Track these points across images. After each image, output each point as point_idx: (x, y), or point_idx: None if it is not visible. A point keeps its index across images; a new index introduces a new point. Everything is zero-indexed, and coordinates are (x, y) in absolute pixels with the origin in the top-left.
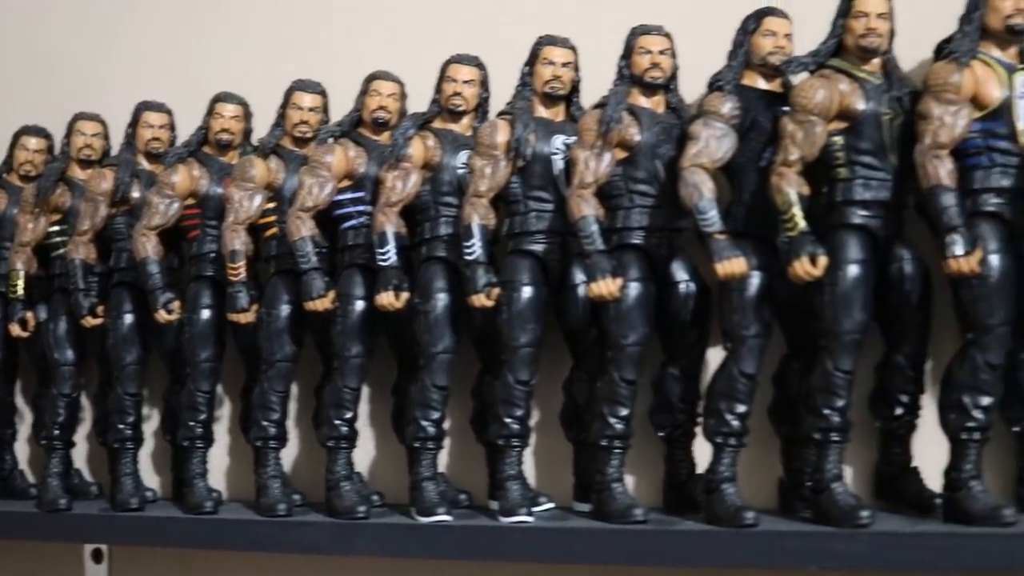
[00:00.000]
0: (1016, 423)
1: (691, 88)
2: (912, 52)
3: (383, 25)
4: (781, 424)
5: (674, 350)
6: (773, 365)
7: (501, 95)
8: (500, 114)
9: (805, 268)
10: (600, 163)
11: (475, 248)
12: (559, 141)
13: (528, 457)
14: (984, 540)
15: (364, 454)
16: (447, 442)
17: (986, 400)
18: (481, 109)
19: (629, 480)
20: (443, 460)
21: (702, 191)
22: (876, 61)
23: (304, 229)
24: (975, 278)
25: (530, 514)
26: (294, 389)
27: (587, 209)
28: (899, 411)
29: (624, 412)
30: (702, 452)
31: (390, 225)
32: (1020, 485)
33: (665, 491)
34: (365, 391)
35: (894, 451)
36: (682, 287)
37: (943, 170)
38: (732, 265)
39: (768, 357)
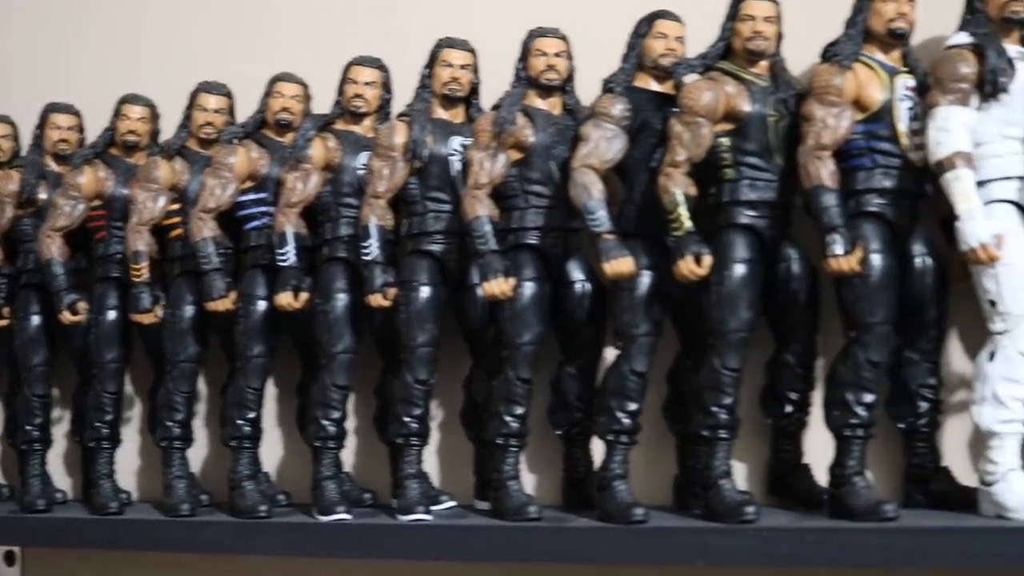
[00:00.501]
0: (901, 420)
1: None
2: (803, 54)
3: (287, 27)
4: (675, 421)
5: (571, 349)
6: (668, 363)
7: (404, 97)
8: (399, 116)
9: (690, 267)
10: (495, 164)
11: (372, 248)
12: (457, 142)
13: (432, 456)
14: (866, 535)
15: (272, 453)
16: (353, 441)
17: (869, 397)
18: (383, 111)
19: (529, 478)
20: (349, 459)
21: (591, 191)
22: (763, 64)
23: (206, 230)
24: (856, 277)
25: (428, 512)
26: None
27: (481, 210)
28: (789, 408)
29: (520, 411)
30: (600, 450)
31: (290, 226)
32: (907, 481)
33: (564, 489)
34: (272, 391)
35: (785, 448)
36: (578, 287)
37: (824, 171)
38: (619, 265)
39: (662, 355)
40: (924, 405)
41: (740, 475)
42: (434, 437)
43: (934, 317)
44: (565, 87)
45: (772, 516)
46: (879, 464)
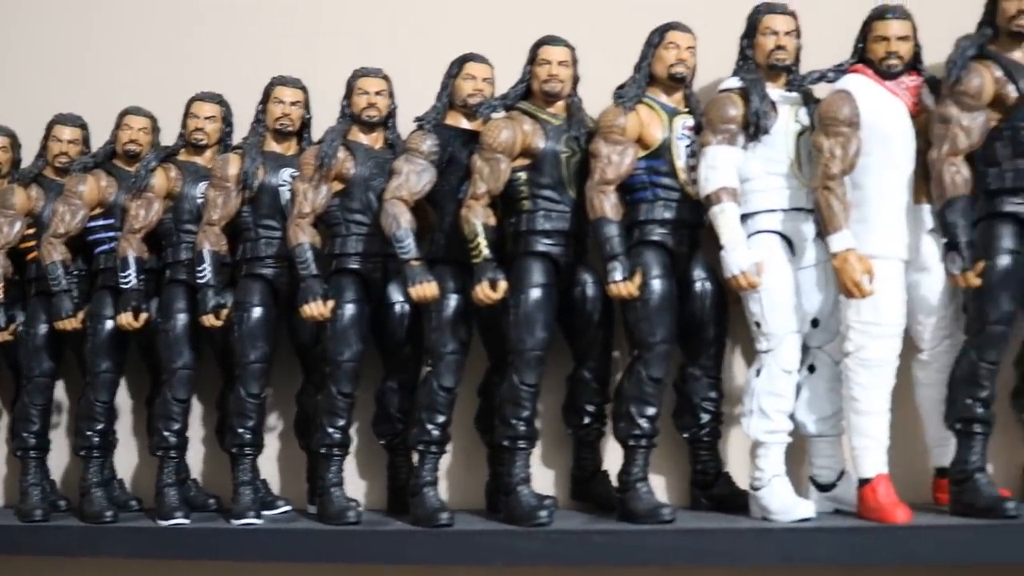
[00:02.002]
0: (686, 430)
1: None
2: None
3: (281, 38)
4: (486, 432)
5: (391, 365)
6: (479, 378)
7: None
8: (233, 148)
9: (485, 292)
10: (317, 195)
11: (206, 272)
12: (287, 174)
13: (271, 463)
14: (647, 536)
15: (127, 461)
16: (200, 450)
17: (651, 410)
18: (224, 143)
19: (359, 484)
20: (197, 466)
21: (399, 221)
22: (560, 104)
23: (55, 254)
24: (638, 300)
25: (259, 516)
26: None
27: (303, 237)
28: (587, 420)
29: (341, 422)
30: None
31: (131, 250)
32: (692, 486)
33: (389, 495)
34: (128, 403)
35: (585, 456)
36: (397, 308)
37: (607, 204)
38: (424, 289)
39: (474, 371)
40: (706, 417)
41: (547, 481)
42: (273, 446)
43: (713, 336)
44: (387, 123)
45: (568, 519)
46: (670, 471)
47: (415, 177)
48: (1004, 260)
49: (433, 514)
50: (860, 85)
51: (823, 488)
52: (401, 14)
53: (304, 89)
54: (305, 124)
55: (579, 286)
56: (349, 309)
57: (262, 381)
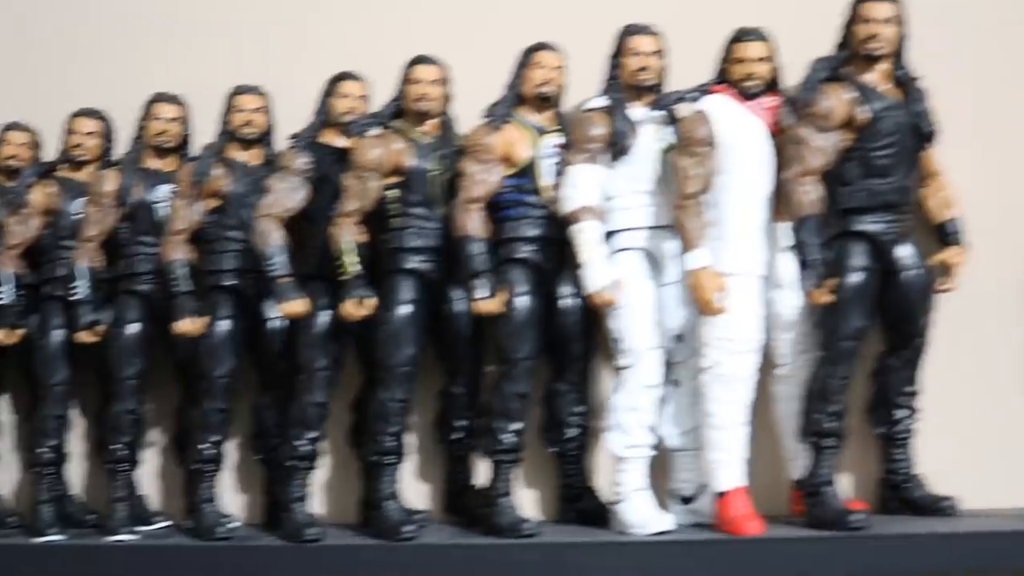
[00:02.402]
0: (554, 445)
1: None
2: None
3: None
4: (359, 447)
5: (268, 381)
6: (353, 392)
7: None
8: (111, 164)
9: (353, 309)
10: (192, 212)
11: (81, 289)
12: (165, 190)
13: (151, 478)
14: (508, 550)
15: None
16: (83, 465)
17: (515, 425)
18: (104, 160)
19: (237, 500)
20: (78, 482)
21: (270, 239)
22: (432, 122)
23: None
24: (503, 317)
25: (133, 532)
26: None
27: (177, 254)
28: (458, 435)
29: (215, 438)
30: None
31: (9, 267)
32: (560, 500)
33: (266, 510)
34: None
35: (457, 470)
36: (272, 324)
37: (473, 221)
38: (293, 306)
39: (347, 386)
40: (573, 431)
41: (422, 495)
42: (154, 461)
43: (580, 351)
44: (264, 140)
45: (437, 533)
46: (541, 484)
47: (287, 195)
48: (855, 277)
49: (301, 529)
50: (720, 105)
51: (686, 500)
52: (284, 32)
53: (183, 105)
54: (185, 140)
55: (449, 302)
56: (223, 325)
57: (138, 396)
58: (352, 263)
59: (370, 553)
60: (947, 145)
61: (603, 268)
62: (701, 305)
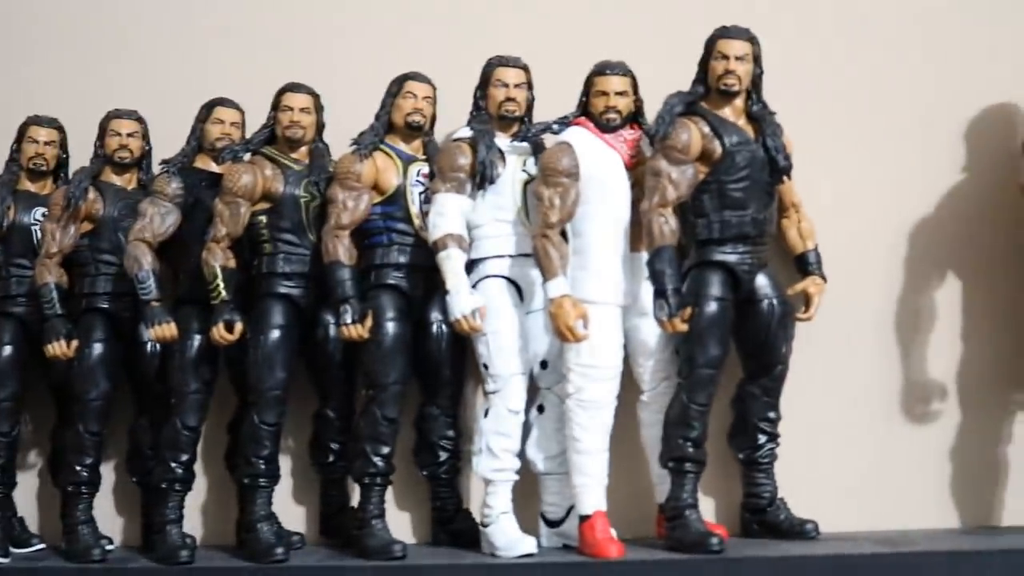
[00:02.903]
0: (425, 468)
1: None
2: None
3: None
4: (233, 470)
5: (143, 403)
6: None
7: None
8: None
9: (221, 333)
10: (65, 235)
11: None
12: (40, 213)
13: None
14: (379, 572)
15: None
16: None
17: (385, 449)
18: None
19: (116, 522)
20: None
21: (142, 263)
22: (303, 149)
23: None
24: (372, 342)
25: (7, 555)
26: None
27: (49, 277)
28: (331, 458)
29: (89, 460)
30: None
31: None
32: (432, 522)
33: (143, 532)
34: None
35: (332, 492)
36: (148, 346)
37: (341, 248)
38: (163, 330)
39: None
40: (444, 455)
41: (298, 518)
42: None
43: (450, 376)
44: (141, 164)
45: (311, 555)
46: (414, 506)
47: (159, 219)
48: (712, 307)
49: (175, 551)
50: (580, 137)
51: (552, 524)
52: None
53: (60, 129)
54: (61, 164)
55: (321, 327)
56: (97, 348)
57: (12, 419)
58: (222, 287)
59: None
60: (805, 177)
61: (467, 295)
62: (562, 332)
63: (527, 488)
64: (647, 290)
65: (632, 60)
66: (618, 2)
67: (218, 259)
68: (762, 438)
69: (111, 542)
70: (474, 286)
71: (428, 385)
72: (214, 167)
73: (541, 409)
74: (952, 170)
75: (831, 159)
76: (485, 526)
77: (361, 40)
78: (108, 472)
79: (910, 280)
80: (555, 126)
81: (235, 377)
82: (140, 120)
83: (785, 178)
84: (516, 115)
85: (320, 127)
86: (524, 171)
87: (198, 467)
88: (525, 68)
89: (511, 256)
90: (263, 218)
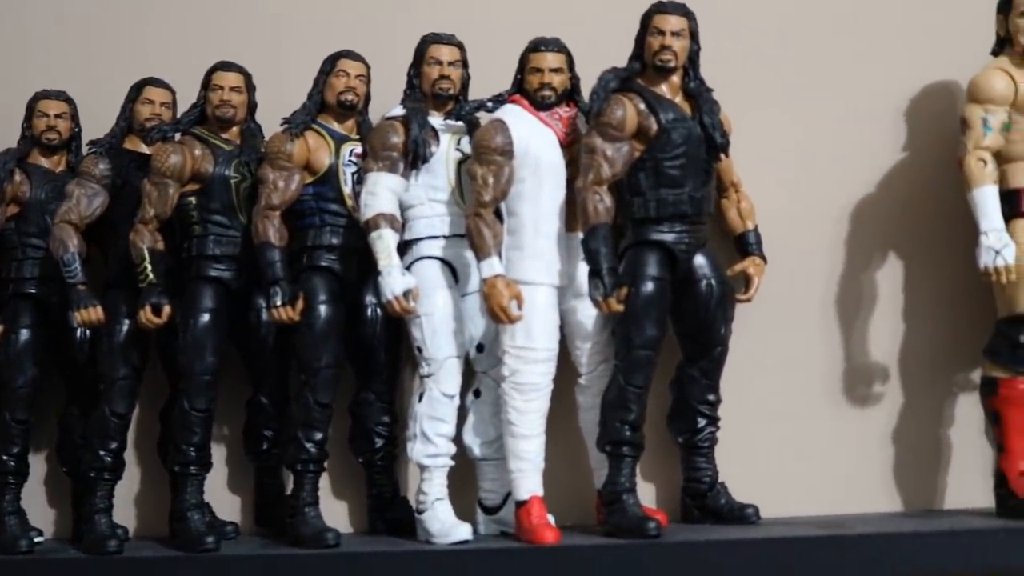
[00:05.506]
0: (360, 455)
1: None
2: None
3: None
4: (165, 458)
5: (74, 390)
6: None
7: None
8: None
9: (148, 317)
10: None
11: None
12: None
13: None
14: (310, 559)
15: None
16: None
17: (318, 435)
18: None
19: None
20: None
21: (67, 245)
22: (235, 129)
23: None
24: (303, 326)
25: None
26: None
27: None
28: (265, 446)
29: (15, 449)
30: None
31: None
32: (369, 511)
33: (74, 523)
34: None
35: (266, 481)
36: (77, 332)
37: (271, 229)
38: (89, 314)
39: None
40: (380, 441)
41: (233, 507)
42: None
43: (385, 361)
44: (70, 146)
45: (244, 545)
46: (350, 494)
47: (86, 201)
48: (648, 287)
49: (102, 541)
50: (515, 115)
51: (489, 511)
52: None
53: (70, 101)
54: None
55: (253, 311)
56: (23, 335)
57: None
58: (150, 270)
59: (169, 566)
60: (745, 156)
61: (399, 275)
62: (495, 313)
63: (464, 474)
64: (584, 271)
65: (568, 37)
66: None
67: (146, 241)
68: (702, 421)
69: (40, 533)
70: (408, 267)
71: (363, 370)
72: (144, 148)
73: (478, 393)
74: (893, 149)
75: (771, 138)
76: (420, 513)
77: (294, 18)
78: (39, 462)
79: (851, 260)
80: (489, 104)
81: (167, 363)
82: (69, 101)
83: (723, 156)
84: (450, 93)
85: (252, 107)
86: (458, 150)
87: (131, 456)
88: (460, 46)
89: (445, 237)
90: (192, 199)
